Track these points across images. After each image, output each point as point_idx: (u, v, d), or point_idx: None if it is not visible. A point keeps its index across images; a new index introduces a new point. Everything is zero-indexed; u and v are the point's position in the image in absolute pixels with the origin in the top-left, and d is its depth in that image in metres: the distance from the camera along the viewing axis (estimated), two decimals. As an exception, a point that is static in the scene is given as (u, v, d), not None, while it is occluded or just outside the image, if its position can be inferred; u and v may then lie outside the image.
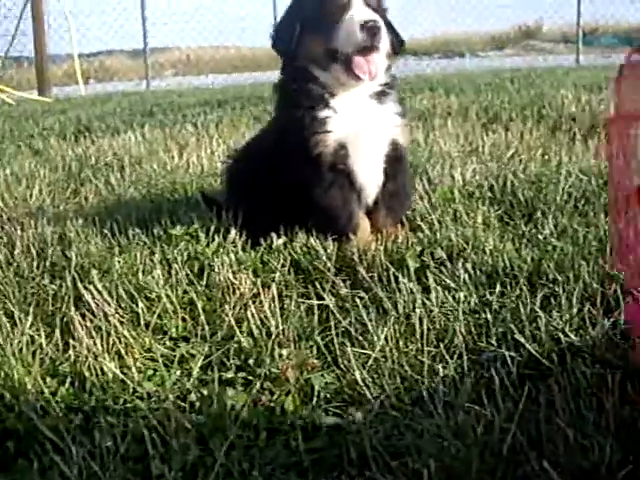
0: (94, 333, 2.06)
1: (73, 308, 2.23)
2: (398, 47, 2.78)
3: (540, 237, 2.54)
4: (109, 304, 2.25)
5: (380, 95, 2.74)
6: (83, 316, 2.17)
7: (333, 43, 2.61)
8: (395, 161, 2.78)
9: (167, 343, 2.11)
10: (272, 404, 1.73)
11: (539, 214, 2.79)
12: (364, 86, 2.68)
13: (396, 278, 2.27)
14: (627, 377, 1.62)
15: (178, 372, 1.94)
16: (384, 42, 2.61)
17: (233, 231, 2.72)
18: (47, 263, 2.68)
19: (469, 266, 2.31)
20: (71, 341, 2.04)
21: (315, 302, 2.22)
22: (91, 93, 12.09)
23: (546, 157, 3.86)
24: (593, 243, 2.44)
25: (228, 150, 4.67)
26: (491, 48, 22.64)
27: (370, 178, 2.75)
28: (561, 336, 1.84)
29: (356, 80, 2.62)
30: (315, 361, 1.86)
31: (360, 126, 2.69)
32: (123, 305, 2.28)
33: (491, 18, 17.06)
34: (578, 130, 4.56)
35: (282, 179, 2.71)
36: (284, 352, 1.88)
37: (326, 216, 2.70)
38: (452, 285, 2.21)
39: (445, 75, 10.25)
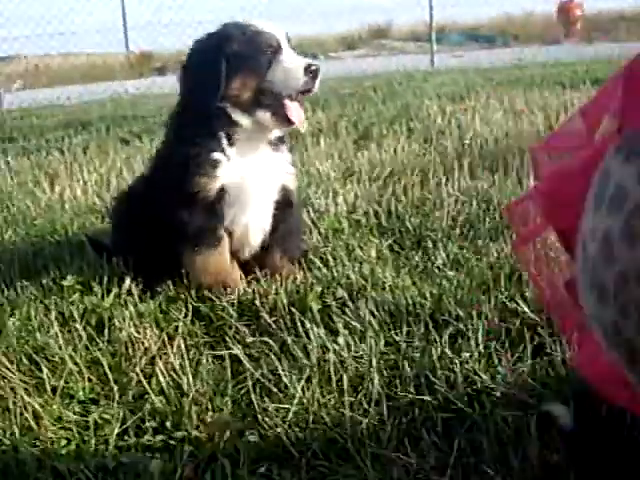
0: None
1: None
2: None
3: (434, 269, 2.61)
4: (8, 369, 2.17)
5: (277, 142, 2.72)
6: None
7: (268, 84, 2.57)
8: (286, 206, 2.79)
9: (76, 408, 2.05)
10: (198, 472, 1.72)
11: (429, 242, 2.86)
12: (261, 137, 2.67)
13: (302, 322, 2.29)
14: (545, 418, 1.70)
15: (93, 440, 1.89)
16: (317, 85, 2.59)
17: (128, 279, 2.66)
18: None
19: (372, 305, 2.36)
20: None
21: (225, 352, 2.21)
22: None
23: (423, 176, 3.95)
24: (486, 271, 2.53)
25: (102, 182, 4.59)
26: (343, 49, 22.93)
27: (254, 225, 2.74)
28: (474, 377, 1.90)
29: (287, 125, 2.63)
30: (239, 424, 1.86)
31: (251, 174, 2.66)
32: (23, 369, 2.21)
33: (340, 18, 17.22)
34: (450, 144, 4.69)
35: (160, 218, 2.67)
36: (208, 417, 1.87)
37: (192, 234, 2.66)
38: (358, 327, 2.25)
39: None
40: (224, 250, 2.67)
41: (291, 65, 2.55)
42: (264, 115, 2.60)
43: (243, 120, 2.62)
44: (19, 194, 4.43)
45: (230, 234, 2.71)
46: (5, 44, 14.93)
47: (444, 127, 5.37)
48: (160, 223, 2.67)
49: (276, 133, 2.69)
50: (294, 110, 2.59)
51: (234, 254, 2.74)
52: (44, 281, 2.82)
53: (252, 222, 2.73)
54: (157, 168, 2.84)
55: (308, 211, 3.34)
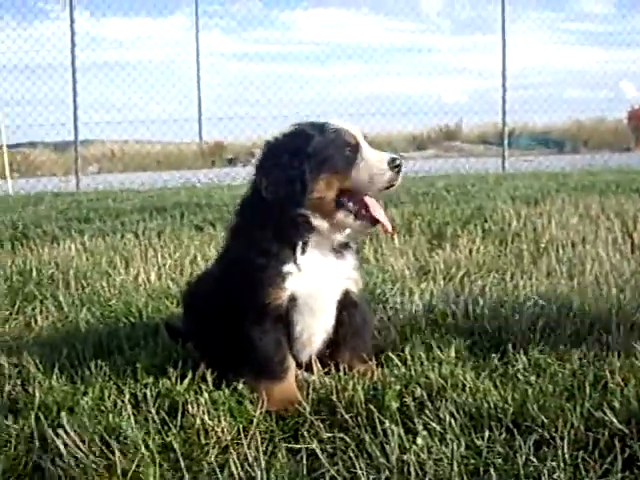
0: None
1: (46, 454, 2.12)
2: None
3: (516, 374, 2.54)
4: (80, 449, 2.15)
5: (342, 248, 2.65)
6: (53, 461, 2.07)
7: (352, 183, 2.50)
8: (349, 307, 2.72)
9: (145, 495, 2.02)
10: None
11: (509, 345, 2.79)
12: (336, 237, 2.59)
13: (380, 420, 2.23)
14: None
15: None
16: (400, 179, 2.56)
17: (202, 366, 2.64)
18: (6, 399, 2.58)
19: (452, 407, 2.29)
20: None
21: (301, 446, 2.15)
22: (18, 190, 11.92)
23: (500, 277, 3.90)
24: (569, 378, 2.45)
25: (176, 267, 4.63)
26: (412, 149, 23.17)
27: (316, 329, 2.67)
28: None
29: (372, 226, 2.59)
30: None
31: (316, 284, 2.58)
32: (94, 449, 2.18)
33: (411, 118, 17.44)
34: (526, 247, 4.64)
35: (227, 318, 2.63)
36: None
37: (259, 360, 2.57)
38: (438, 428, 2.18)
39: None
40: (291, 379, 2.58)
41: (375, 161, 2.49)
42: (346, 218, 2.53)
43: (323, 225, 2.54)
44: (94, 274, 4.49)
45: (292, 339, 2.64)
46: (86, 129, 15.39)
47: (519, 230, 5.34)
48: (230, 321, 2.63)
49: (354, 235, 2.65)
50: (377, 208, 2.54)
51: (293, 357, 2.65)
52: (118, 362, 2.82)
53: (317, 327, 2.67)
54: (227, 270, 2.74)
55: (384, 307, 3.30)
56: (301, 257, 2.56)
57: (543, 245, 4.79)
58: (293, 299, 2.55)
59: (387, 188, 2.54)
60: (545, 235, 5.05)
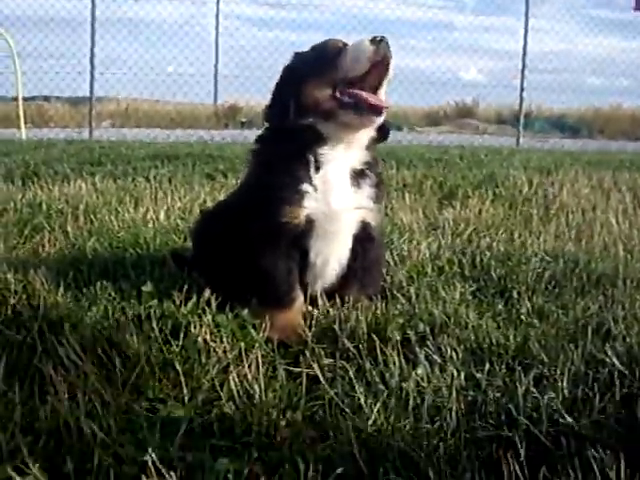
0: (73, 390, 1.97)
1: (48, 362, 2.12)
2: (386, 132, 2.72)
3: (519, 317, 2.55)
4: (82, 360, 2.16)
5: (359, 176, 2.65)
6: (54, 368, 2.08)
7: (342, 73, 2.50)
8: (365, 241, 2.72)
9: (143, 404, 2.03)
10: (266, 476, 1.67)
11: (514, 293, 2.80)
12: (350, 157, 2.61)
13: (381, 350, 2.24)
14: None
15: (158, 436, 1.85)
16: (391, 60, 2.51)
17: (207, 291, 2.65)
18: (10, 312, 2.59)
19: (454, 342, 2.30)
20: (48, 397, 1.94)
21: (304, 370, 2.16)
22: (31, 138, 11.90)
23: (508, 236, 3.90)
24: (572, 325, 2.46)
25: (185, 208, 4.63)
26: (426, 123, 23.06)
27: (331, 258, 2.68)
28: (559, 418, 1.82)
29: (373, 114, 2.52)
30: (313, 432, 1.80)
31: (333, 205, 2.59)
32: (96, 361, 2.19)
33: (428, 94, 17.33)
34: (536, 212, 4.63)
35: (241, 242, 2.65)
36: (282, 423, 1.82)
37: (267, 286, 2.60)
38: (438, 360, 2.19)
39: (391, 147, 10.38)
40: (296, 308, 2.60)
41: (356, 43, 2.51)
42: (348, 115, 2.52)
43: (329, 128, 2.56)
44: (103, 210, 4.49)
45: (306, 266, 2.66)
46: (99, 86, 15.32)
47: (530, 195, 5.33)
48: (241, 246, 2.65)
49: (365, 134, 2.62)
50: (374, 97, 2.53)
51: (305, 287, 2.68)
52: (123, 286, 2.82)
53: (332, 255, 2.68)
54: (242, 194, 2.83)
55: (392, 253, 3.29)
56: (317, 176, 2.57)
57: (553, 211, 4.77)
58: (310, 221, 2.56)
59: (380, 66, 2.50)
60: (556, 202, 5.03)
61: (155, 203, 4.71)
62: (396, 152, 8.85)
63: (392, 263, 3.18)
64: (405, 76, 17.00)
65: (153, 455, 1.66)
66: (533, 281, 2.98)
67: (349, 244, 2.69)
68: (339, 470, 1.70)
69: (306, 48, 2.67)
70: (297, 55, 2.70)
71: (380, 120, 2.55)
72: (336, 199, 2.59)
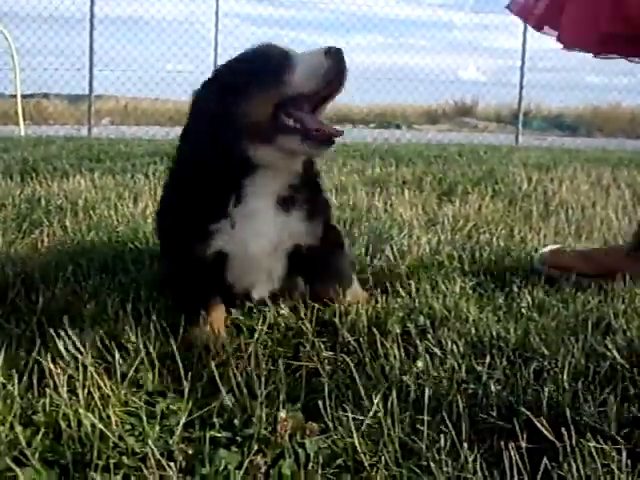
0: (72, 383, 1.96)
1: (47, 354, 2.11)
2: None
3: (519, 310, 2.55)
4: (81, 353, 2.15)
5: (287, 201, 2.32)
6: (53, 360, 2.07)
7: (290, 87, 2.13)
8: (308, 253, 2.43)
9: (143, 397, 2.02)
10: (267, 467, 1.66)
11: (514, 288, 2.80)
12: (279, 184, 2.27)
13: (381, 343, 2.24)
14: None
15: (158, 428, 1.85)
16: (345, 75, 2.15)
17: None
18: (9, 305, 2.58)
19: (454, 335, 2.30)
20: (47, 390, 1.94)
21: (304, 364, 2.16)
22: (30, 135, 11.88)
23: (508, 232, 3.89)
24: (573, 320, 2.45)
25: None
26: (425, 122, 23.08)
27: (256, 282, 2.47)
28: (560, 410, 1.81)
29: (322, 144, 2.17)
30: (314, 425, 1.79)
31: (250, 243, 2.29)
32: (95, 354, 2.19)
33: (427, 92, 17.34)
34: (535, 208, 4.62)
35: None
36: (281, 414, 1.81)
37: (177, 302, 2.50)
38: (438, 353, 2.18)
39: (390, 145, 10.40)
40: (213, 322, 2.38)
41: (310, 55, 2.13)
42: (292, 142, 2.16)
43: (264, 156, 2.20)
44: (102, 206, 4.48)
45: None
46: (99, 84, 15.30)
47: (530, 192, 5.32)
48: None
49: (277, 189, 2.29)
50: (327, 126, 2.19)
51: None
52: (123, 280, 2.82)
53: (258, 281, 2.46)
54: (159, 212, 2.59)
55: (392, 248, 3.29)
56: (236, 209, 2.26)
57: (552, 208, 4.77)
58: (221, 256, 2.31)
59: (333, 84, 2.15)
60: (555, 198, 5.03)
61: (154, 199, 4.69)
62: (395, 150, 8.87)
63: (392, 258, 3.17)
64: (404, 74, 17.05)
65: (153, 446, 1.65)
66: (533, 276, 2.98)
67: (281, 264, 2.45)
68: (339, 461, 1.71)
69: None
70: (226, 67, 2.29)
71: (331, 149, 2.19)
72: (256, 235, 2.30)
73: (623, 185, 5.69)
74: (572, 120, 21.50)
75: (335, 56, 2.09)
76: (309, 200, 2.36)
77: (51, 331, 2.23)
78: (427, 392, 1.90)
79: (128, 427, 1.85)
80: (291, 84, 2.12)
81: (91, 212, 4.28)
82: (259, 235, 2.28)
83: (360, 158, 7.53)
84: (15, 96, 13.54)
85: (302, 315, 2.48)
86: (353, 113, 21.16)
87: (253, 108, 2.15)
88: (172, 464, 1.66)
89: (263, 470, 1.63)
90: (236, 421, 1.86)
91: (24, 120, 13.36)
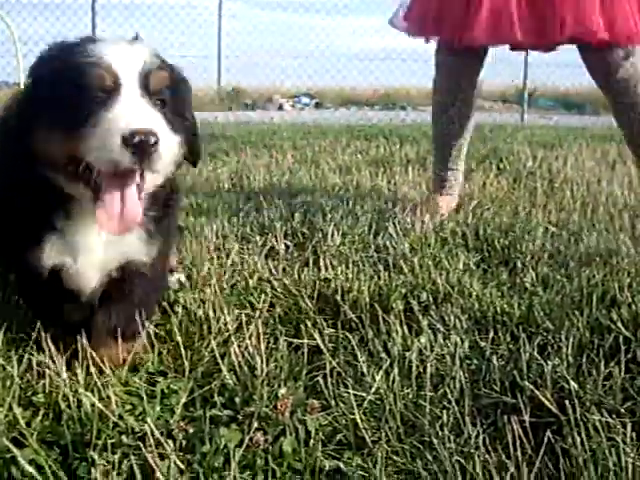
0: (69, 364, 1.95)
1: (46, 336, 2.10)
2: (195, 156, 2.04)
3: (524, 285, 2.52)
4: (81, 334, 2.13)
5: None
6: (54, 342, 2.05)
7: (80, 150, 1.68)
8: (125, 275, 2.07)
9: (144, 377, 2.01)
10: (267, 445, 1.64)
11: (518, 263, 2.77)
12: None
13: (384, 319, 2.22)
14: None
15: (159, 408, 1.83)
16: (161, 163, 1.67)
17: (206, 264, 2.63)
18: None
19: (457, 311, 2.27)
20: (47, 371, 1.92)
21: (305, 341, 2.14)
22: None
23: (512, 208, 3.87)
24: (578, 294, 2.42)
25: (185, 186, 4.60)
26: (430, 103, 22.92)
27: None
28: (564, 384, 1.79)
29: (100, 228, 1.81)
30: (315, 402, 1.78)
31: (77, 257, 1.95)
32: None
33: (430, 74, 17.26)
34: (540, 185, 4.59)
35: None
36: (281, 391, 1.79)
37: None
38: (442, 329, 2.16)
39: (395, 125, 10.35)
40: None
41: (108, 128, 1.62)
42: (84, 192, 1.79)
43: (73, 190, 1.82)
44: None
45: None
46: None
47: (534, 169, 5.28)
48: None
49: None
50: (111, 206, 1.74)
51: None
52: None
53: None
54: None
55: (395, 226, 3.26)
56: (61, 224, 1.91)
57: (557, 184, 4.73)
58: (53, 270, 1.97)
59: (127, 174, 1.72)
60: (560, 175, 4.99)
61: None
62: (399, 130, 8.82)
63: (395, 235, 3.14)
64: (408, 55, 16.94)
65: (152, 425, 1.64)
66: (538, 250, 2.95)
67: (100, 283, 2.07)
68: (339, 436, 1.69)
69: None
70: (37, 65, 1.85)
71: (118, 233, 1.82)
72: (84, 251, 1.96)
73: (629, 161, 5.63)
74: (579, 99, 21.36)
75: (136, 149, 1.61)
76: (153, 220, 2.02)
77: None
78: (429, 368, 1.89)
79: (129, 407, 1.84)
80: (81, 150, 1.67)
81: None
82: (86, 248, 1.96)
83: (364, 139, 7.49)
84: (19, 85, 13.51)
85: (303, 293, 2.46)
86: (357, 95, 21.05)
87: (48, 147, 1.75)
88: (171, 442, 1.65)
89: (263, 447, 1.61)
90: (237, 399, 1.85)
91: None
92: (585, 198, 4.23)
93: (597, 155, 6.07)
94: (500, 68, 19.57)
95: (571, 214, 3.73)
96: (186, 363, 2.04)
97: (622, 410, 1.69)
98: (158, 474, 1.50)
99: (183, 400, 1.84)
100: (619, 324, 2.11)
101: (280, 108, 19.07)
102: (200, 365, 2.04)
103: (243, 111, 16.60)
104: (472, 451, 1.55)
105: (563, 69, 17.44)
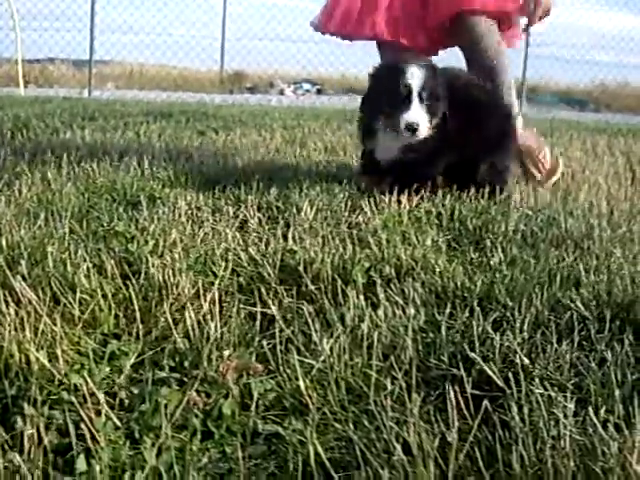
0: (23, 322, 1.92)
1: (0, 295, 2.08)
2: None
3: (489, 262, 2.50)
4: (38, 295, 2.11)
5: None
6: (7, 304, 2.03)
7: (391, 126, 3.40)
8: None
9: (97, 339, 1.99)
10: (208, 407, 1.63)
11: (488, 243, 2.75)
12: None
13: (343, 291, 2.20)
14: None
15: (108, 368, 1.81)
16: (422, 134, 3.32)
17: (174, 233, 2.61)
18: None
19: (418, 285, 2.26)
20: (-5, 326, 1.90)
21: (259, 309, 2.12)
22: (31, 95, 11.80)
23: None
24: (543, 274, 2.40)
25: (170, 159, 4.58)
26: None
27: None
28: (514, 358, 1.77)
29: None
30: (258, 365, 1.76)
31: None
32: (54, 297, 2.15)
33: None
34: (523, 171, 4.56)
35: None
36: (225, 353, 1.78)
37: None
38: (401, 302, 2.14)
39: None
40: None
41: (400, 118, 3.35)
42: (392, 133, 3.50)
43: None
44: (87, 160, 4.42)
45: None
46: (103, 49, 15.27)
47: (522, 157, 5.24)
48: None
49: None
50: None
51: None
52: (93, 227, 2.79)
53: None
54: None
55: (369, 203, 3.24)
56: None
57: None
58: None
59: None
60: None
61: (140, 154, 4.64)
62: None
63: (369, 212, 3.12)
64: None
65: (90, 382, 1.62)
66: (511, 233, 2.93)
67: None
68: (285, 402, 1.68)
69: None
70: (374, 75, 3.68)
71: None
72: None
73: (618, 153, 5.62)
74: (580, 96, 21.34)
75: (408, 130, 3.49)
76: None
77: (8, 274, 2.19)
78: (375, 338, 1.88)
79: (78, 366, 1.82)
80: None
81: (74, 165, 4.23)
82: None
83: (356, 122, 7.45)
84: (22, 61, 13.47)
85: (266, 262, 2.44)
86: (359, 82, 21.03)
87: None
88: (113, 401, 1.64)
89: (200, 407, 1.60)
90: (186, 363, 1.83)
91: (26, 82, 13.29)
92: (569, 185, 4.21)
93: (586, 146, 6.03)
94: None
95: (552, 200, 3.70)
96: (140, 326, 2.03)
97: (569, 385, 1.67)
98: (91, 428, 1.48)
99: (131, 361, 1.83)
100: (578, 303, 2.09)
101: (281, 93, 19.06)
102: (155, 329, 2.02)
103: (244, 94, 16.55)
104: (408, 419, 1.53)
105: (565, 67, 17.42)
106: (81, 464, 1.40)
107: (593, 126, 8.53)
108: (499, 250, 2.62)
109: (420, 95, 3.27)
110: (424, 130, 3.29)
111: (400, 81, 3.28)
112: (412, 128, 3.27)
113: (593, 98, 21.00)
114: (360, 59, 17.82)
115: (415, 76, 3.27)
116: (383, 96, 3.37)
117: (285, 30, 17.96)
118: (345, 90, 19.66)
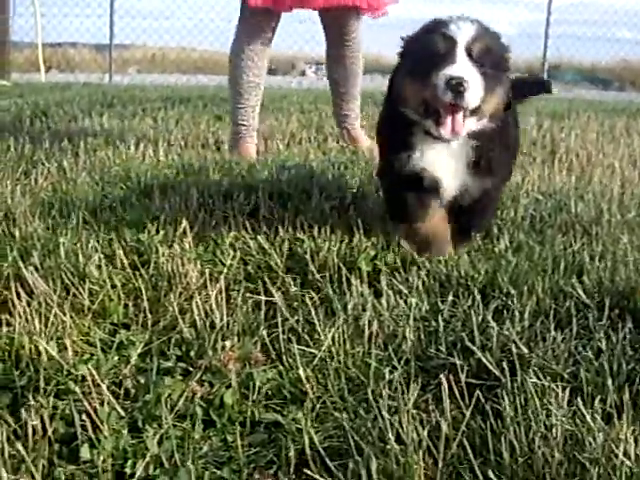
0: (33, 313, 1.97)
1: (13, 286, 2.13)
2: (507, 102, 2.45)
3: (495, 251, 2.52)
4: (49, 285, 2.16)
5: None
6: (18, 295, 2.08)
7: (425, 96, 2.31)
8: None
9: (107, 329, 2.04)
10: (210, 396, 1.67)
11: (495, 229, 2.76)
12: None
13: (348, 280, 2.23)
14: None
15: (116, 358, 1.86)
16: (472, 101, 2.24)
17: (184, 222, 2.65)
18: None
19: (422, 273, 2.28)
20: (8, 317, 1.96)
21: (263, 298, 2.16)
22: (52, 81, 11.86)
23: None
24: (548, 261, 2.42)
25: (186, 146, 4.62)
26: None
27: None
28: (512, 347, 1.80)
29: (440, 137, 2.34)
30: (260, 355, 1.80)
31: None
32: (62, 288, 2.20)
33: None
34: (540, 155, 4.56)
35: None
36: (227, 343, 1.82)
37: None
38: (404, 291, 2.17)
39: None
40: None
41: (439, 78, 2.23)
42: (428, 123, 2.37)
43: (421, 122, 2.42)
44: (104, 149, 4.47)
45: None
46: (123, 33, 15.31)
47: (536, 139, 5.24)
48: None
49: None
50: (446, 124, 2.33)
51: None
52: (105, 217, 2.83)
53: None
54: None
55: (377, 191, 3.25)
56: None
57: (559, 155, 4.68)
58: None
59: (453, 107, 2.29)
60: (562, 146, 4.95)
61: (155, 142, 4.69)
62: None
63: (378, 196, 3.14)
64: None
65: (95, 373, 1.66)
66: (520, 218, 2.94)
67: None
68: (285, 391, 1.71)
69: None
70: (408, 38, 2.50)
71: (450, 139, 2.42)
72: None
73: (635, 134, 5.59)
74: (604, 74, 21.11)
75: (453, 89, 2.24)
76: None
77: (21, 265, 2.24)
78: (375, 326, 1.91)
79: (87, 356, 1.87)
80: (426, 94, 2.34)
81: (91, 153, 4.28)
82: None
83: (374, 105, 7.42)
84: (43, 45, 13.52)
85: (274, 251, 2.48)
86: (381, 63, 20.94)
87: (409, 94, 2.43)
88: (119, 390, 1.68)
89: (203, 397, 1.64)
90: (192, 352, 1.87)
91: (48, 67, 13.36)
92: (583, 168, 4.21)
93: (604, 128, 6.00)
94: (528, 42, 19.45)
95: (564, 184, 3.70)
96: (149, 316, 2.07)
97: (565, 375, 1.69)
98: (95, 419, 1.52)
99: (139, 351, 1.87)
100: (580, 290, 2.11)
101: (302, 74, 19.00)
102: (163, 319, 2.07)
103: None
104: (402, 407, 1.56)
105: (587, 45, 17.26)
106: (85, 453, 1.45)
107: (612, 106, 8.47)
108: (505, 236, 2.63)
109: (469, 51, 2.27)
110: (475, 94, 2.24)
111: (441, 34, 2.31)
112: (456, 86, 2.20)
113: (616, 75, 20.77)
114: (378, 38, 17.75)
115: (462, 28, 2.29)
116: (417, 64, 2.35)
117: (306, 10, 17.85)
118: (368, 70, 19.56)
